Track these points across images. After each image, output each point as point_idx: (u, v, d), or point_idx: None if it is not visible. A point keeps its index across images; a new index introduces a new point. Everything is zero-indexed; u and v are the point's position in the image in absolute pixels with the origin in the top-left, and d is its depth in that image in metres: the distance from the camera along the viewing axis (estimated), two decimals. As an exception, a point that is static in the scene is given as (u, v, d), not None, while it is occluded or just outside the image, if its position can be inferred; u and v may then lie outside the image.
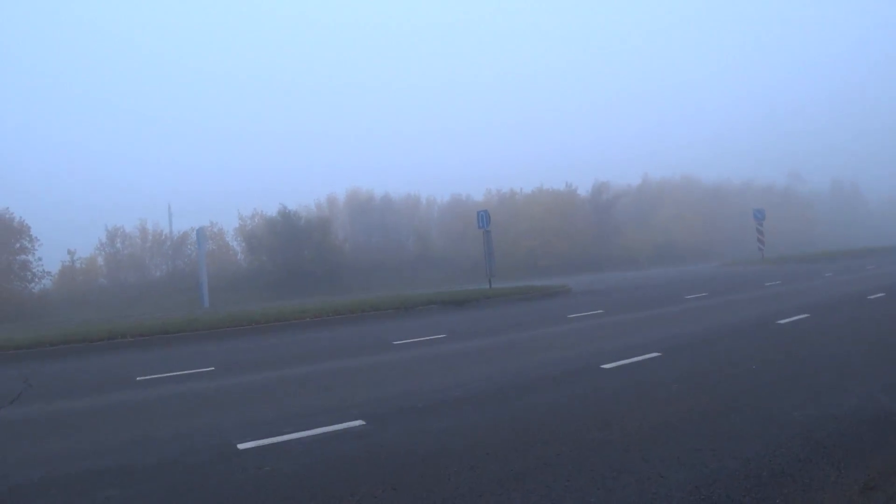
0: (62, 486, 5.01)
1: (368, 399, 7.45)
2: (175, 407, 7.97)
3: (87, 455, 5.86)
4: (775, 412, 5.85)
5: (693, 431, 5.40)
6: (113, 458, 5.66)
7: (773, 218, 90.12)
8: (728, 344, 9.96)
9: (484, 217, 27.74)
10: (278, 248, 60.80)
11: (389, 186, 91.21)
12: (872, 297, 15.32)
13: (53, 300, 46.31)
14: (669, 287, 23.80)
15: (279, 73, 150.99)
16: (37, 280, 45.19)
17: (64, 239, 52.26)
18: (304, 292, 51.16)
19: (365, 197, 79.63)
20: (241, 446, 5.65)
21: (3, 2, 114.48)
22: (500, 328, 14.32)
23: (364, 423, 6.21)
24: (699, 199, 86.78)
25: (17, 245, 43.50)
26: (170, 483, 4.98)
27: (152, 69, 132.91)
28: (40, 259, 44.69)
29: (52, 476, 5.25)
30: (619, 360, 8.83)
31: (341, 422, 6.24)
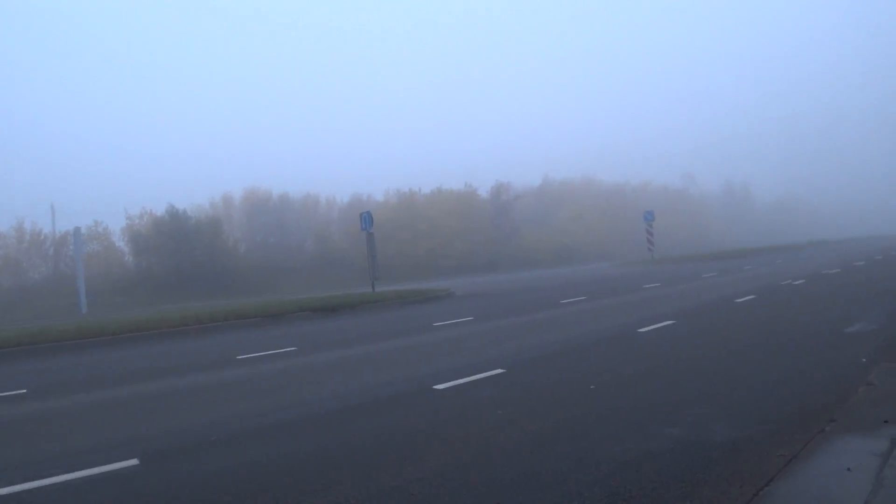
0: None
1: (159, 432, 6.41)
2: None
3: None
4: (594, 445, 5.05)
5: (493, 475, 4.51)
6: None
7: (667, 219, 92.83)
8: (580, 357, 9.16)
9: (367, 218, 26.59)
10: (166, 250, 57.75)
11: (289, 186, 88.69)
12: (741, 300, 15.01)
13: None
14: (552, 290, 23.27)
15: (181, 67, 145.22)
16: None
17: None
18: (194, 296, 48.67)
19: (262, 196, 76.92)
20: None
21: None
22: (356, 339, 13.19)
23: (137, 462, 5.23)
24: (599, 200, 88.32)
25: None
26: None
27: (36, 60, 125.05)
28: None
29: None
30: (458, 378, 7.89)
31: (112, 462, 5.23)
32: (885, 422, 5.07)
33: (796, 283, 18.76)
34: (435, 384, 7.72)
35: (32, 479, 4.92)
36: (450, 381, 7.83)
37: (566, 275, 37.75)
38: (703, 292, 18.32)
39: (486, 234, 70.06)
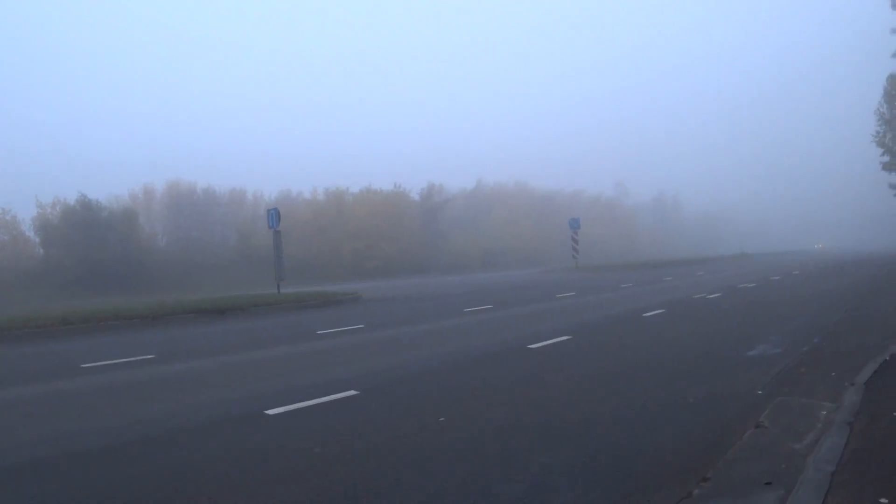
0: None
1: None
2: None
3: None
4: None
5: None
6: None
7: (598, 227, 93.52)
8: (451, 377, 7.98)
9: (273, 215, 24.97)
10: (76, 242, 54.71)
11: (216, 179, 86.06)
12: (649, 314, 14.13)
13: None
14: (465, 296, 22.18)
15: (108, 50, 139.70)
16: None
17: None
18: (105, 291, 46.10)
19: (186, 189, 74.01)
20: None
21: None
22: (225, 347, 11.76)
23: None
24: (531, 206, 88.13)
25: None
26: None
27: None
28: None
29: None
30: (302, 400, 6.75)
31: None
32: (768, 483, 4.03)
33: (710, 296, 18.10)
34: (270, 407, 6.49)
35: None
36: (289, 403, 6.62)
37: (487, 280, 36.82)
38: (615, 304, 17.47)
39: (416, 237, 68.87)
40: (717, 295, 18.42)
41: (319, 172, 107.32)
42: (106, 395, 7.83)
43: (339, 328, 13.72)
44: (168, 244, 69.74)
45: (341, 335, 12.70)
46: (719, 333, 11.01)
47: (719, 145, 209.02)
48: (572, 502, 3.95)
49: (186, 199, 74.33)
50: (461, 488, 4.20)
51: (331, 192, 71.16)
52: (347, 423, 6.02)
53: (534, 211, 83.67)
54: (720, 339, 10.35)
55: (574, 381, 7.53)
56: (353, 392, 7.12)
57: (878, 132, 41.52)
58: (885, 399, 5.51)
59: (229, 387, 8.05)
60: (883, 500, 3.54)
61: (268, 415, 6.30)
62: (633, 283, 26.21)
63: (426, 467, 4.66)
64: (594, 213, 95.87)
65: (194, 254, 64.61)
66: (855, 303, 14.87)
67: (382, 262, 64.64)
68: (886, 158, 41.33)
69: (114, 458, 5.17)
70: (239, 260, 62.34)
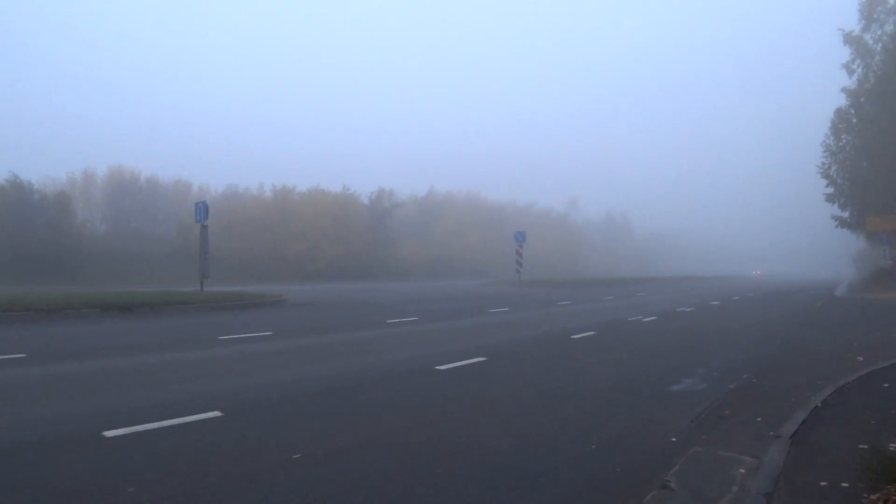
0: None
1: None
2: None
3: None
4: None
5: None
6: None
7: (547, 242, 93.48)
8: (341, 400, 6.98)
9: (202, 209, 23.68)
10: (3, 224, 52.20)
11: (161, 169, 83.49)
12: (577, 336, 13.33)
13: None
14: (397, 306, 21.24)
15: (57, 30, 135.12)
16: None
17: None
18: (31, 278, 43.94)
19: (128, 176, 71.65)
20: None
21: None
22: (109, 349, 10.60)
23: None
24: (481, 217, 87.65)
25: None
26: None
27: None
28: None
29: None
30: (155, 420, 5.74)
31: None
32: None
33: (646, 320, 17.46)
34: (113, 427, 5.47)
35: None
36: (135, 424, 5.59)
37: (427, 290, 35.94)
38: (547, 323, 16.72)
39: (362, 241, 67.63)
40: (652, 318, 17.81)
41: (267, 168, 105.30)
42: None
43: (245, 334, 12.64)
44: (106, 232, 67.29)
45: (243, 342, 11.61)
46: (647, 362, 10.25)
47: (674, 170, 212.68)
48: None
49: (129, 186, 72.00)
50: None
51: (278, 190, 69.58)
52: (190, 453, 5.00)
53: (483, 222, 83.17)
54: (646, 368, 9.58)
55: (472, 413, 6.61)
56: (214, 413, 6.11)
57: (823, 164, 41.98)
58: (813, 460, 4.72)
59: (79, 398, 6.95)
60: None
61: (105, 437, 5.26)
62: (571, 301, 25.58)
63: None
64: (543, 228, 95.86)
65: (132, 244, 62.38)
66: (789, 335, 14.31)
67: (326, 264, 63.29)
68: (830, 190, 41.77)
69: None
70: (178, 253, 60.42)
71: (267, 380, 8.18)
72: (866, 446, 4.94)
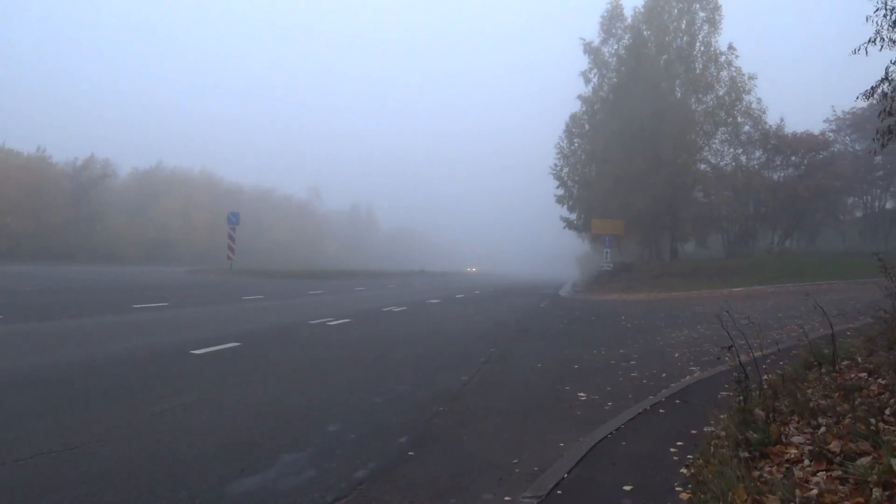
0: None
1: None
2: None
3: None
4: None
5: None
6: None
7: (284, 232, 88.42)
8: None
9: None
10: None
11: None
12: (202, 351, 9.01)
13: None
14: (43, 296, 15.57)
15: None
16: None
17: None
18: None
19: None
20: None
21: None
22: None
23: None
24: (213, 198, 79.70)
25: None
26: None
27: None
28: None
29: None
30: None
31: None
32: None
33: (332, 323, 13.61)
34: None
35: None
36: None
37: (114, 277, 29.70)
38: (193, 327, 12.23)
39: (60, 216, 57.47)
40: (344, 321, 14.08)
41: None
42: None
43: None
44: None
45: None
46: (305, 390, 6.38)
47: (420, 166, 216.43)
48: None
49: None
50: None
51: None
52: None
53: (215, 204, 75.33)
54: (284, 401, 5.66)
55: None
56: None
57: (555, 165, 42.13)
58: None
59: None
60: None
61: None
62: (262, 296, 21.30)
63: None
64: (281, 215, 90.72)
65: None
66: (498, 350, 10.86)
67: (10, 242, 52.84)
68: (561, 191, 41.98)
69: None
70: None
71: None
72: None
